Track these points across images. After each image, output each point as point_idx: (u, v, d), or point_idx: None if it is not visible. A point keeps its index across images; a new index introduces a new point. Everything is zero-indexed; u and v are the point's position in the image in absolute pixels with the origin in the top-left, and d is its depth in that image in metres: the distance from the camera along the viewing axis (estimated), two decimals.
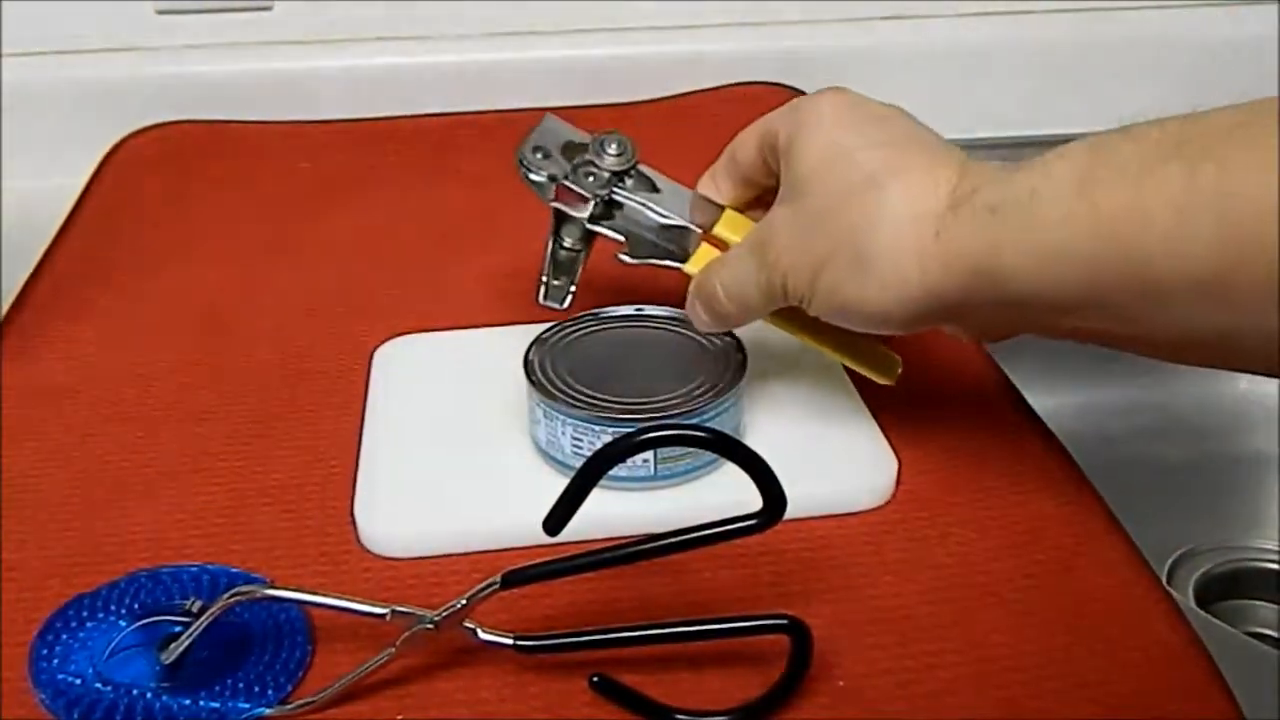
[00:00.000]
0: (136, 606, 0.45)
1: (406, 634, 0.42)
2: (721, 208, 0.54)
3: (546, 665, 0.43)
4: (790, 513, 0.40)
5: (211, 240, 0.74)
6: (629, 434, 0.40)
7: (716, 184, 0.54)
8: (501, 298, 0.66)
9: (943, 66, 0.95)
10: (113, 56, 0.91)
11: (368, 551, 0.48)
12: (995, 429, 0.55)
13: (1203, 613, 0.73)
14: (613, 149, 0.54)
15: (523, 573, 0.42)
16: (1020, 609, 0.45)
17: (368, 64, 0.92)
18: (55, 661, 0.43)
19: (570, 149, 0.55)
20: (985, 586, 0.46)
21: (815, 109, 0.48)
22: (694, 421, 0.48)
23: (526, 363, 0.52)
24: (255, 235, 0.75)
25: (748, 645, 0.42)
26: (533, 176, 0.55)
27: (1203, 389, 0.90)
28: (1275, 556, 0.80)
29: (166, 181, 0.83)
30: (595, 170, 0.54)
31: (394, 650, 0.42)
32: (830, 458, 0.52)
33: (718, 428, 0.45)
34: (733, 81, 0.92)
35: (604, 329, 0.55)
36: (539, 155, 0.55)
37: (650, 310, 0.56)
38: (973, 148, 0.47)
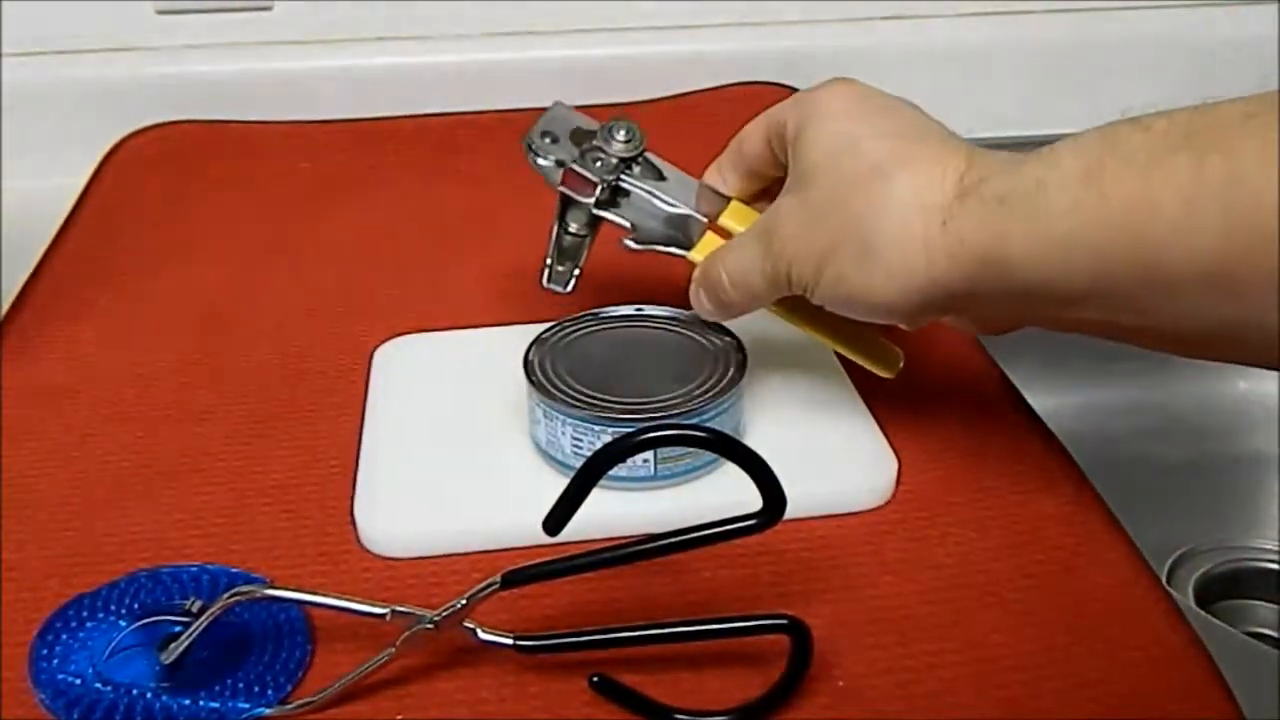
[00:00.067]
0: (136, 606, 0.45)
1: (406, 634, 0.42)
2: (727, 199, 0.54)
3: (546, 665, 0.42)
4: (790, 513, 0.40)
5: (211, 240, 0.74)
6: (629, 434, 0.40)
7: (722, 175, 0.54)
8: (501, 298, 0.66)
9: (943, 66, 0.95)
10: (113, 56, 0.91)
11: (367, 551, 0.48)
12: (995, 429, 0.55)
13: (1203, 613, 0.73)
14: (621, 135, 0.54)
15: (523, 573, 0.42)
16: (1020, 609, 0.45)
17: (368, 64, 0.92)
18: (55, 661, 0.43)
19: (578, 135, 0.55)
20: (985, 586, 0.46)
21: (824, 99, 0.48)
22: (694, 421, 0.48)
23: (526, 363, 0.52)
24: (255, 235, 0.75)
25: (748, 645, 0.42)
26: (540, 161, 0.55)
27: (1203, 389, 0.90)
28: (1275, 556, 0.80)
29: (166, 181, 0.82)
30: (603, 155, 0.54)
31: (394, 650, 0.41)
32: (830, 457, 0.52)
33: (718, 428, 0.45)
34: (733, 81, 0.92)
35: (604, 329, 0.55)
36: (547, 140, 0.55)
37: (650, 310, 0.55)
38: None
